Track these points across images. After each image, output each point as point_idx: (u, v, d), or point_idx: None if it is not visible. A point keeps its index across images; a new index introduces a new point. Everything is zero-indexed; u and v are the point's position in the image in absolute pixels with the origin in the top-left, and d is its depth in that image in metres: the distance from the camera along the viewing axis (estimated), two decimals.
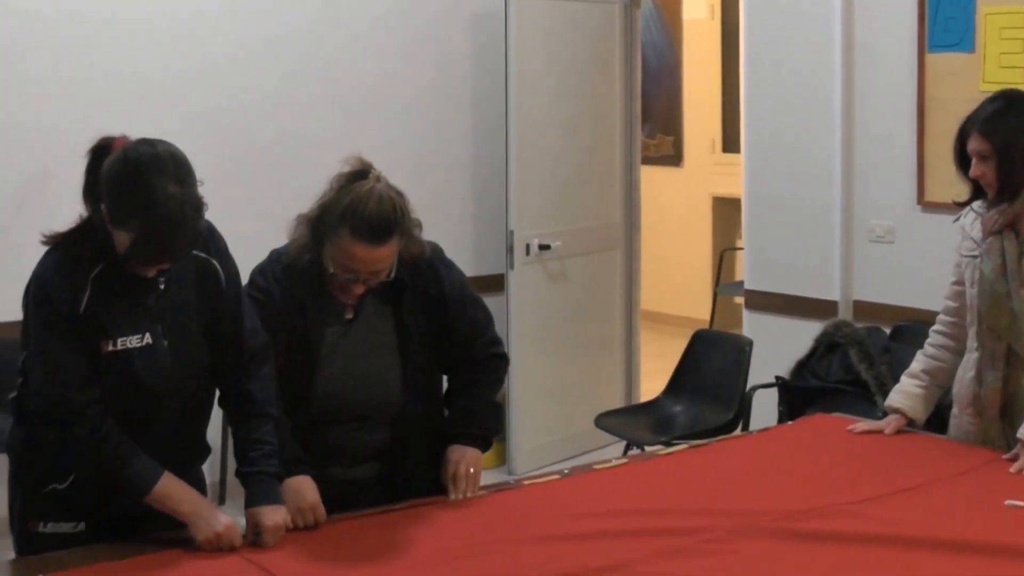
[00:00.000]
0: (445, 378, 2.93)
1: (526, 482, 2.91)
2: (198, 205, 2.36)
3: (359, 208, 2.59)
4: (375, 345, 2.78)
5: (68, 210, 2.51)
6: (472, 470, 2.79)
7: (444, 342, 2.83)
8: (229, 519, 2.51)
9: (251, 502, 2.54)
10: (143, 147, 2.37)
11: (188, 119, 4.75)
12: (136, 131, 2.47)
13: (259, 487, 2.55)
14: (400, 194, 2.67)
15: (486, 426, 2.89)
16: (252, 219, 5.07)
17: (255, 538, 2.50)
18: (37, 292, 2.45)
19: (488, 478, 2.91)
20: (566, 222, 5.62)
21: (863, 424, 3.26)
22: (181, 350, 2.53)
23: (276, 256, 2.78)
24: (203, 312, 2.56)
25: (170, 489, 2.48)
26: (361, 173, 2.66)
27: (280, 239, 2.80)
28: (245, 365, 2.61)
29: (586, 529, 2.56)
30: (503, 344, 3.00)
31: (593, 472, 3.00)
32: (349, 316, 2.77)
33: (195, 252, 2.51)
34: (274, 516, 2.52)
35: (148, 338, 2.49)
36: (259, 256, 2.83)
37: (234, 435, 2.64)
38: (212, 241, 2.58)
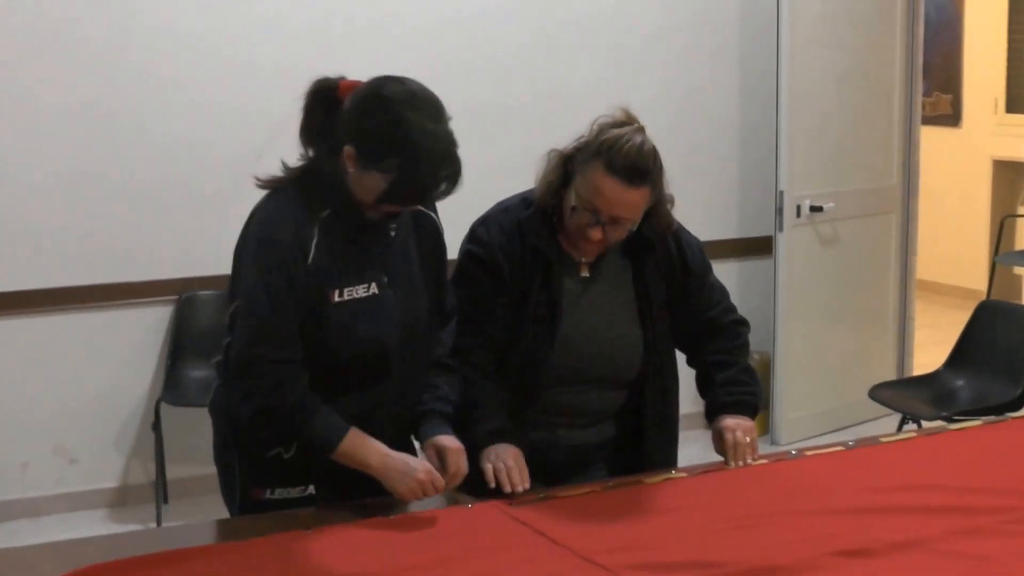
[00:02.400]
0: (680, 353, 2.81)
1: (808, 452, 2.77)
2: (455, 140, 2.28)
3: (617, 144, 2.49)
4: (614, 307, 2.67)
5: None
6: (749, 438, 2.67)
7: (682, 310, 2.73)
8: (426, 464, 2.36)
9: (426, 435, 2.45)
10: (394, 84, 2.28)
11: (440, 69, 4.71)
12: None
13: (431, 422, 2.46)
14: (659, 154, 2.55)
15: (753, 392, 2.76)
16: (506, 175, 5.00)
17: (440, 464, 2.40)
18: (262, 236, 2.33)
19: None
20: (839, 183, 5.33)
21: None
22: (408, 301, 2.44)
23: (504, 207, 2.69)
24: (424, 265, 2.50)
25: (358, 445, 2.34)
26: (624, 124, 2.56)
27: None
28: (442, 321, 2.56)
29: (875, 503, 2.43)
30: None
31: (880, 445, 2.84)
32: (585, 274, 2.66)
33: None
34: (453, 441, 2.43)
35: (374, 288, 2.38)
36: None
37: None
38: None
